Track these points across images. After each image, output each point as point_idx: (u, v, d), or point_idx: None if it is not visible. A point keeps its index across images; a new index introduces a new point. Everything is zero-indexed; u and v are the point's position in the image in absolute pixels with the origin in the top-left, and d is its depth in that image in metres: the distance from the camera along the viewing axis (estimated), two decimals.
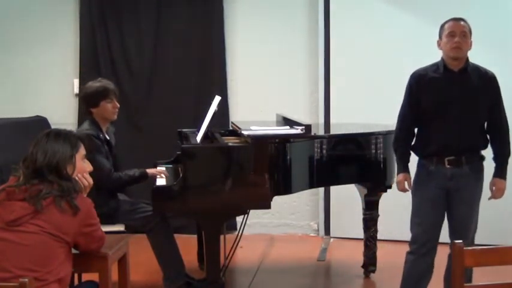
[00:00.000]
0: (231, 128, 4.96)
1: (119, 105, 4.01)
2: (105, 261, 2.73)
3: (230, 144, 3.97)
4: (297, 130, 3.80)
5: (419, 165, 3.46)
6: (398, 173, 3.51)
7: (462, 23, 3.36)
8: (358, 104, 5.31)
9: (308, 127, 3.73)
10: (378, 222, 4.39)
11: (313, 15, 5.63)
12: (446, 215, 3.42)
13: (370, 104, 5.25)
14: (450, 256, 3.40)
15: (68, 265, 2.52)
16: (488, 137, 3.42)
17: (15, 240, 2.40)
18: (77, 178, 2.60)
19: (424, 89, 3.38)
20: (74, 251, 2.59)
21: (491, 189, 3.39)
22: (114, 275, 2.88)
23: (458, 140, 3.30)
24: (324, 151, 3.94)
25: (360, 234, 4.54)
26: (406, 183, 3.46)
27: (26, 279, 2.05)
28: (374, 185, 4.25)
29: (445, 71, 3.35)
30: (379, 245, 4.45)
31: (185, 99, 5.68)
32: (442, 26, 3.39)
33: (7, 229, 2.42)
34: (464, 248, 2.11)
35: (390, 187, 4.22)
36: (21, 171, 2.53)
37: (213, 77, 5.71)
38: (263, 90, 5.75)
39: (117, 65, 5.77)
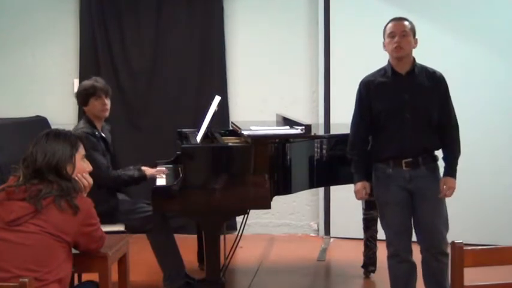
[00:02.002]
0: (231, 128, 4.96)
1: (108, 103, 4.00)
2: (105, 261, 2.73)
3: (230, 144, 3.97)
4: (297, 130, 3.80)
5: (376, 170, 3.44)
6: (356, 182, 3.49)
7: (404, 22, 3.37)
8: None
9: (308, 127, 3.73)
10: (378, 222, 4.38)
11: (313, 15, 5.64)
12: (413, 220, 3.40)
13: None
14: (426, 261, 3.39)
15: (68, 265, 2.52)
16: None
17: (15, 240, 2.40)
18: (76, 178, 2.61)
19: (373, 94, 3.39)
20: (74, 251, 2.59)
21: (442, 187, 3.35)
22: (114, 275, 2.88)
23: (413, 142, 3.31)
24: (324, 151, 3.95)
25: (360, 234, 4.54)
26: (364, 191, 3.46)
27: (26, 279, 2.05)
28: None
29: (393, 75, 3.36)
30: (379, 245, 4.44)
31: (185, 99, 5.68)
32: (385, 27, 3.40)
33: (7, 229, 2.42)
34: (464, 248, 2.11)
35: None
36: (20, 171, 2.53)
37: (213, 77, 5.72)
38: (263, 90, 5.75)
39: (117, 65, 5.78)
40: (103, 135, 4.02)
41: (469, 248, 2.14)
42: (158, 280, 4.06)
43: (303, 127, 3.73)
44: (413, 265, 3.44)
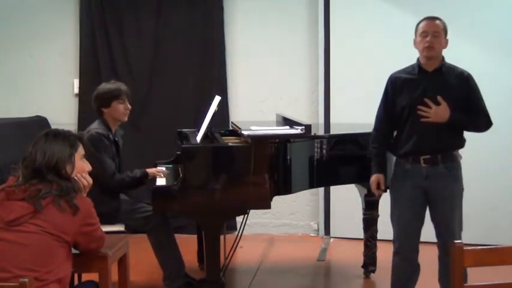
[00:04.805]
0: (231, 128, 4.96)
1: (130, 107, 4.05)
2: (105, 261, 2.73)
3: (230, 144, 3.97)
4: (297, 130, 3.80)
5: (396, 164, 3.49)
6: (372, 174, 3.52)
7: (436, 22, 3.37)
8: (358, 104, 5.30)
9: (308, 127, 3.72)
10: (378, 222, 4.38)
11: (313, 15, 5.63)
12: (430, 215, 3.42)
13: (370, 104, 5.23)
14: (440, 258, 3.40)
15: (68, 265, 2.52)
16: (464, 136, 3.42)
17: (15, 240, 2.40)
18: (76, 178, 2.61)
19: (399, 90, 3.41)
20: (74, 251, 2.59)
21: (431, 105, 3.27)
22: (114, 275, 2.88)
23: (433, 139, 3.31)
24: (324, 151, 3.95)
25: (360, 234, 4.54)
26: (376, 184, 3.48)
27: (26, 279, 2.04)
28: None
29: (420, 72, 3.38)
30: (379, 245, 4.44)
31: (185, 99, 5.68)
32: (417, 25, 3.41)
33: (7, 229, 2.42)
34: (464, 248, 2.11)
35: None
36: (20, 171, 2.53)
37: (213, 77, 5.72)
38: (263, 90, 5.75)
39: (117, 65, 5.77)
40: (116, 139, 4.03)
41: (469, 248, 2.14)
42: (158, 280, 4.06)
43: (303, 127, 3.72)
44: (416, 266, 3.45)
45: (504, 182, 5.18)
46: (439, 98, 3.26)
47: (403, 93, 3.38)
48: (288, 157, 3.65)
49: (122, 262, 3.03)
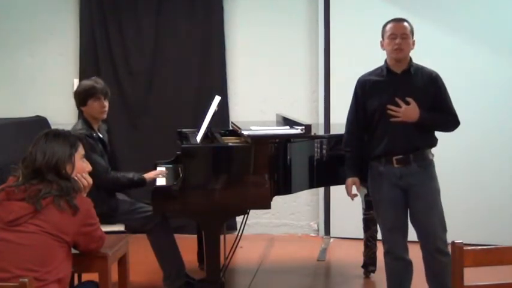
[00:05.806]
0: (231, 128, 4.96)
1: (106, 105, 3.98)
2: (105, 261, 2.74)
3: (230, 144, 3.97)
4: (297, 130, 3.80)
5: (370, 168, 3.49)
6: (347, 178, 3.53)
7: (404, 24, 3.39)
8: None
9: (308, 127, 3.73)
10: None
11: (313, 15, 5.63)
12: (409, 217, 3.43)
13: None
14: (424, 258, 3.40)
15: (68, 265, 2.52)
16: (435, 135, 3.43)
17: (15, 240, 2.40)
18: (76, 178, 2.61)
19: (368, 93, 3.43)
20: (74, 251, 2.59)
21: (402, 104, 3.29)
22: (114, 275, 2.88)
23: (404, 140, 3.33)
24: (324, 151, 3.95)
25: (360, 234, 4.54)
26: (354, 187, 3.50)
27: (26, 279, 2.05)
28: None
29: (388, 74, 3.40)
30: (379, 244, 4.43)
31: (185, 99, 5.68)
32: (384, 27, 3.43)
33: (6, 229, 2.42)
34: (464, 248, 2.11)
35: None
36: (20, 171, 2.53)
37: (213, 77, 5.71)
38: (263, 90, 5.75)
39: (117, 65, 5.77)
40: (100, 136, 4.01)
41: (469, 248, 2.14)
42: (158, 280, 4.06)
43: (303, 127, 3.73)
44: (408, 263, 3.46)
45: (504, 182, 5.17)
46: (408, 98, 3.28)
47: (373, 95, 3.40)
48: (288, 157, 3.65)
49: (122, 262, 3.03)
